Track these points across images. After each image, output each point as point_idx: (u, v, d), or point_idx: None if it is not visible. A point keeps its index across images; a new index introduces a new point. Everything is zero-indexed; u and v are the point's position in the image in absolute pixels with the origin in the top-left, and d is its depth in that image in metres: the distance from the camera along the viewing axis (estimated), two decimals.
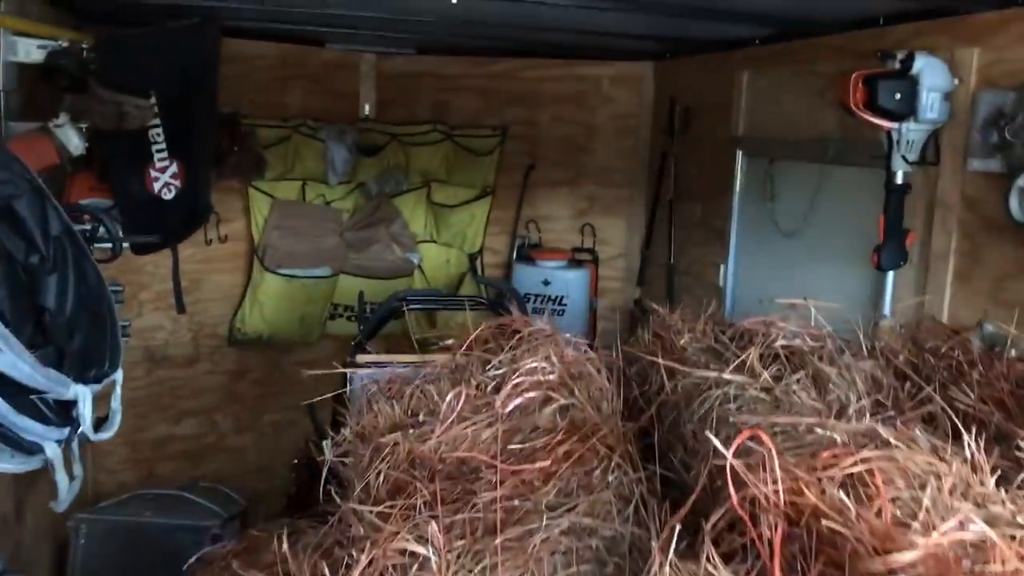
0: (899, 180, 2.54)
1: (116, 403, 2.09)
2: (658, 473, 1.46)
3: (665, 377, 1.63)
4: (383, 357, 3.27)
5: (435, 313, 4.84)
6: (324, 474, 1.73)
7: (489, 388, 1.57)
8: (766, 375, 1.53)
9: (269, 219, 4.55)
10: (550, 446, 1.39)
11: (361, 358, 3.27)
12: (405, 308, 3.57)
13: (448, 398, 1.56)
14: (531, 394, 1.53)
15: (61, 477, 1.86)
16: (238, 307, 4.60)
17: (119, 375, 2.08)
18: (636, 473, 1.41)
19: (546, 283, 4.63)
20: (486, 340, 1.75)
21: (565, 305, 4.61)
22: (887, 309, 2.73)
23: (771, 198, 3.54)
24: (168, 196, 3.36)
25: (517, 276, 4.74)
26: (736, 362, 1.58)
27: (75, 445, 1.97)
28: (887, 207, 2.57)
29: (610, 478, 1.37)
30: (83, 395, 1.81)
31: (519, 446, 1.41)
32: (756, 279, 3.68)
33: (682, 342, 1.74)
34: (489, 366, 1.62)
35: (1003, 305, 2.28)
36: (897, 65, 2.44)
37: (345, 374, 3.43)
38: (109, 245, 2.92)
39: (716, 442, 1.10)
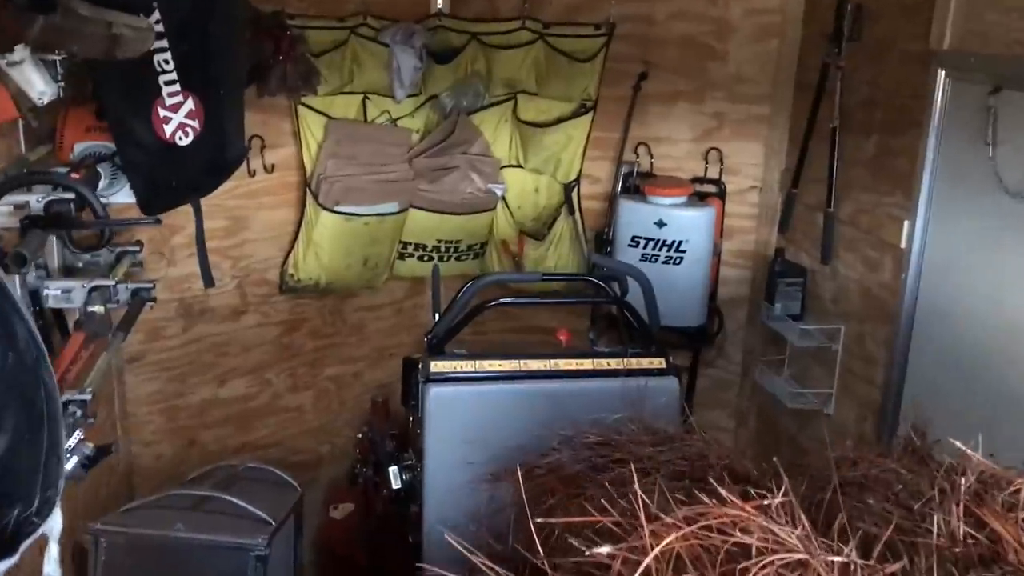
0: None
1: (52, 568, 1.34)
2: None
3: None
4: (465, 363, 2.49)
5: (522, 254, 4.04)
6: None
7: None
8: None
9: (324, 144, 3.73)
10: None
11: (436, 365, 2.49)
12: (494, 304, 2.74)
13: None
14: None
15: None
16: (290, 250, 3.85)
17: (56, 523, 1.33)
18: None
19: (660, 224, 3.74)
20: (678, 560, 0.93)
21: (683, 252, 3.74)
22: None
23: (992, 142, 2.57)
24: (184, 141, 2.55)
25: (622, 214, 3.85)
26: None
27: None
28: None
29: None
30: None
31: None
32: (960, 247, 2.76)
33: None
34: None
35: None
36: None
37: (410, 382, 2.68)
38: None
39: None
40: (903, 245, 2.95)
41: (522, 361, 2.54)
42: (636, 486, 1.02)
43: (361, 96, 3.78)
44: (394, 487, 2.66)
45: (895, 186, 2.99)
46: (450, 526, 1.88)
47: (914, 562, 0.93)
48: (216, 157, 2.66)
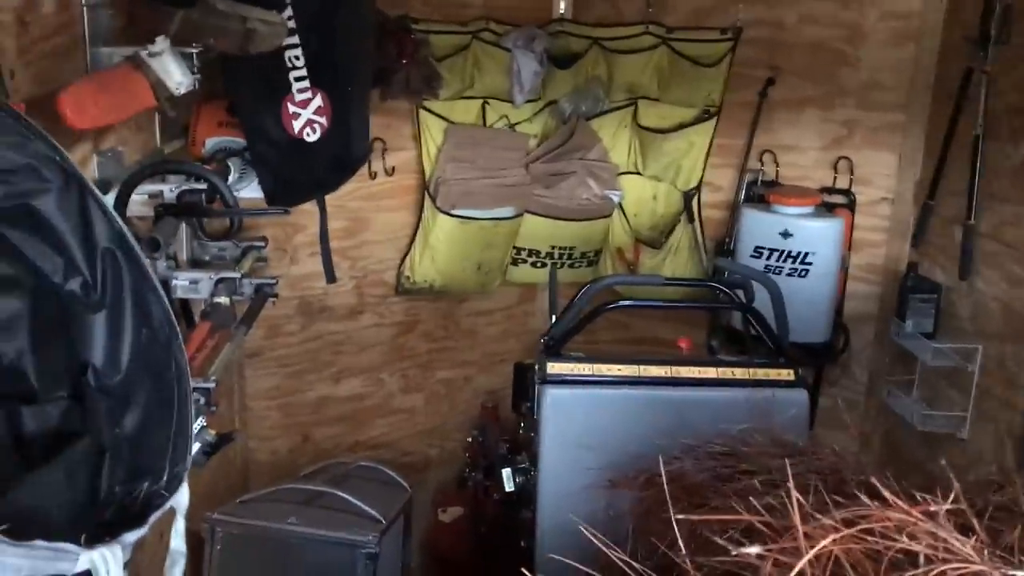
0: None
1: (178, 542, 1.35)
2: None
3: None
4: (582, 366, 2.44)
5: (639, 265, 3.97)
6: None
7: None
8: None
9: (443, 148, 3.75)
10: None
11: (553, 366, 2.44)
12: (614, 307, 2.68)
13: None
14: None
15: None
16: (407, 252, 3.88)
17: (183, 497, 1.34)
18: None
19: (786, 235, 3.60)
20: (836, 563, 0.86)
21: (809, 265, 3.58)
22: None
23: None
24: (312, 138, 2.60)
25: (746, 223, 3.73)
26: None
27: None
28: None
29: None
30: (102, 564, 1.07)
31: None
32: None
33: None
34: None
35: None
36: None
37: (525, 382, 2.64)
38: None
39: None
40: None
41: (642, 367, 2.47)
42: (791, 483, 0.94)
43: (481, 101, 3.79)
44: (507, 489, 2.62)
45: None
46: (565, 532, 1.84)
47: None
48: (342, 154, 2.69)
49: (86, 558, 1.04)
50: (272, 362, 3.76)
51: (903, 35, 3.55)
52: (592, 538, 1.08)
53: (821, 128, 3.74)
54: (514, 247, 3.99)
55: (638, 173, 4.03)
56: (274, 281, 3.03)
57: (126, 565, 1.16)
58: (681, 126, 3.86)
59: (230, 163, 2.65)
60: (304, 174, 2.68)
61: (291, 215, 3.49)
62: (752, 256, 3.67)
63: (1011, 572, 0.83)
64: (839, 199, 3.72)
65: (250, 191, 2.74)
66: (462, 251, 3.82)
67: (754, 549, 0.93)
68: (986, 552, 0.85)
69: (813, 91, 3.74)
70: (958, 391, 3.23)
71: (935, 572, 0.80)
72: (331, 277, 3.21)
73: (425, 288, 3.93)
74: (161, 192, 2.27)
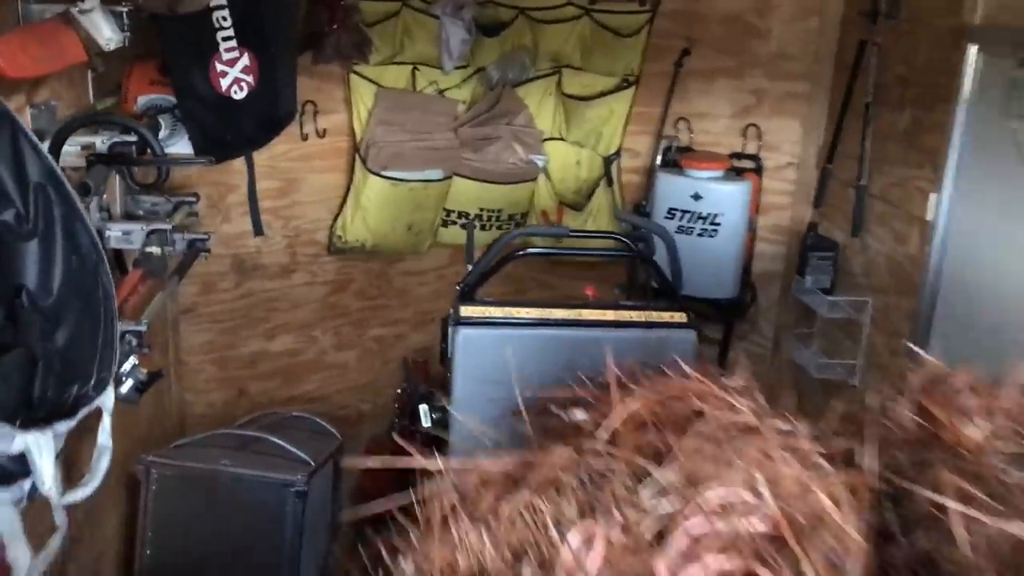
0: None
1: (105, 438, 1.51)
2: None
3: (957, 525, 0.93)
4: (493, 309, 2.63)
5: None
6: None
7: (646, 533, 0.90)
8: None
9: (373, 111, 3.89)
10: None
11: (466, 309, 2.63)
12: (523, 254, 2.87)
13: (573, 542, 0.91)
14: (720, 564, 0.85)
15: (18, 552, 1.31)
16: (338, 212, 4.02)
17: (108, 400, 1.49)
18: None
19: (696, 197, 3.82)
20: (641, 422, 1.06)
21: (718, 225, 3.81)
22: None
23: (1017, 115, 2.62)
24: (239, 95, 2.73)
25: (660, 187, 3.95)
26: None
27: (54, 496, 1.41)
28: None
29: None
30: (36, 446, 1.23)
31: None
32: (982, 220, 2.81)
33: (975, 435, 1.02)
34: (645, 486, 0.95)
35: None
36: None
37: (445, 326, 2.82)
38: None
39: None
40: (929, 218, 3.00)
41: (548, 310, 2.66)
42: (611, 365, 1.14)
43: (411, 66, 3.92)
44: (424, 425, 2.80)
45: (924, 160, 3.04)
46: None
47: (860, 443, 1.04)
48: (268, 112, 2.83)
49: (21, 440, 1.20)
50: (206, 318, 3.88)
51: (808, 9, 3.78)
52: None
53: (732, 97, 3.97)
54: (444, 209, 4.15)
55: (562, 139, 4.20)
56: (206, 236, 3.17)
57: (58, 456, 1.31)
58: (602, 94, 4.04)
59: (161, 119, 2.77)
60: (232, 130, 2.81)
61: (223, 175, 3.65)
62: (666, 217, 3.89)
63: (780, 425, 1.03)
64: (748, 164, 3.96)
65: (181, 147, 2.86)
66: (393, 212, 3.97)
67: (579, 413, 1.12)
68: (765, 413, 1.05)
69: (725, 62, 3.95)
70: (852, 341, 3.49)
71: (715, 422, 1.00)
72: (259, 230, 3.35)
73: (357, 248, 4.07)
74: (93, 144, 2.39)
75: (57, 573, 2.58)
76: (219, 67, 2.66)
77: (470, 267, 2.94)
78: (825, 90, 3.77)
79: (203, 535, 3.08)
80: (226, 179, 3.68)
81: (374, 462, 1.37)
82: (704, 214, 3.82)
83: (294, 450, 3.25)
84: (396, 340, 4.49)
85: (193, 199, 3.14)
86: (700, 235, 3.84)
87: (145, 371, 2.42)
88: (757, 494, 0.90)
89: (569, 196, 4.25)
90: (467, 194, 4.09)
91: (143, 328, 2.44)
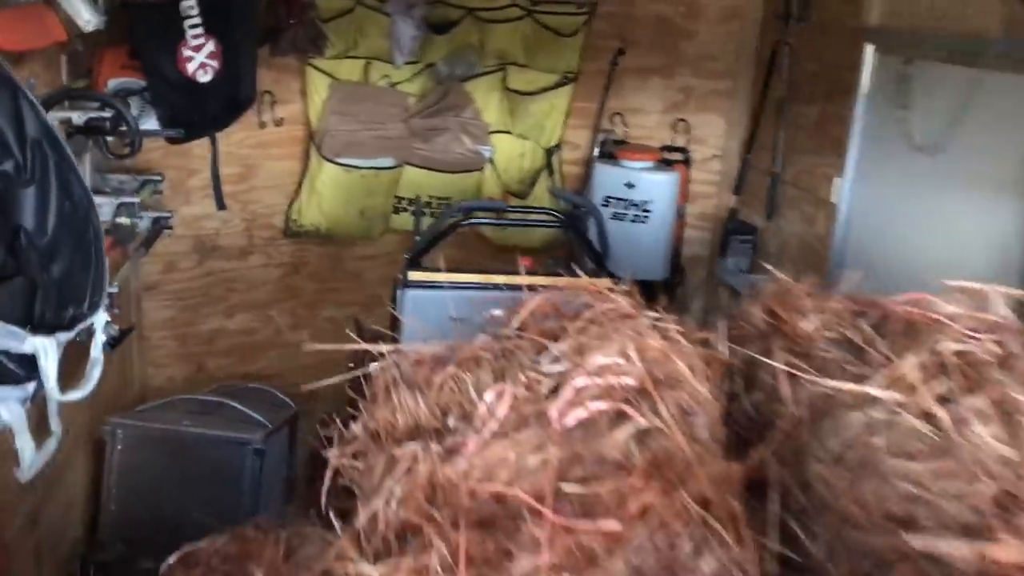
0: None
1: (96, 352, 1.75)
2: (774, 552, 1.06)
3: (784, 382, 1.20)
4: (437, 275, 2.89)
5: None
6: (328, 476, 1.39)
7: (544, 389, 1.17)
8: (927, 395, 1.09)
9: (328, 102, 4.13)
10: (620, 494, 1.00)
11: (412, 275, 2.89)
12: (466, 224, 3.14)
13: (488, 399, 1.17)
14: (599, 405, 1.12)
15: (24, 442, 1.54)
16: (294, 197, 4.25)
17: (100, 318, 1.73)
18: (741, 549, 1.01)
19: (630, 186, 4.13)
20: (545, 315, 1.34)
21: (649, 212, 4.12)
22: None
23: (905, 105, 2.96)
24: (204, 79, 2.96)
25: (597, 176, 4.24)
26: (887, 371, 1.14)
27: (55, 399, 1.64)
28: None
29: (703, 563, 0.97)
30: (43, 349, 1.47)
31: (577, 487, 1.02)
32: (879, 200, 3.14)
33: (808, 327, 1.30)
34: (545, 356, 1.22)
35: None
36: None
37: (395, 290, 3.08)
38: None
39: None
40: (834, 200, 3.33)
41: (487, 276, 2.94)
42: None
43: (364, 61, 4.17)
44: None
45: (830, 148, 3.38)
46: None
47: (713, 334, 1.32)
48: (232, 95, 3.06)
49: (31, 342, 1.43)
50: (168, 295, 4.09)
51: (732, 13, 4.11)
52: None
53: (663, 94, 4.29)
54: (396, 196, 4.40)
55: (508, 132, 4.47)
56: (169, 214, 3.40)
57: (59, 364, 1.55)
58: (544, 90, 4.32)
59: (131, 101, 2.98)
60: (197, 111, 3.04)
61: (186, 159, 3.87)
62: (602, 204, 4.18)
63: (653, 319, 1.31)
64: (677, 156, 4.27)
65: (149, 126, 3.08)
66: (346, 197, 4.21)
67: (498, 312, 1.40)
68: (641, 309, 1.33)
69: (657, 61, 4.27)
70: None
71: (599, 311, 1.28)
72: (221, 204, 3.56)
73: (312, 231, 4.30)
74: (70, 118, 2.60)
75: (30, 521, 2.79)
76: (186, 52, 2.89)
77: (417, 239, 3.20)
78: (746, 87, 4.11)
79: (165, 491, 3.29)
80: (188, 164, 3.90)
81: (329, 344, 1.61)
82: (637, 201, 4.12)
83: (252, 414, 3.47)
84: (348, 321, 4.71)
85: (159, 177, 3.36)
86: (633, 221, 4.14)
87: (116, 327, 2.64)
88: (628, 359, 1.17)
89: (514, 185, 4.52)
90: (417, 182, 4.34)
91: (114, 290, 2.66)
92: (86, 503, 3.35)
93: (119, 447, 3.29)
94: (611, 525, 0.97)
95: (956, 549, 0.91)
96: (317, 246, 4.47)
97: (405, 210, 4.45)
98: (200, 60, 2.92)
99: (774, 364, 1.23)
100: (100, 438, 3.36)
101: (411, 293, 2.84)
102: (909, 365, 1.13)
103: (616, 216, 4.14)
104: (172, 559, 1.88)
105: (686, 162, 4.27)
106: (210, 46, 2.91)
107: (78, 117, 2.59)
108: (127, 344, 3.86)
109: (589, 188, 4.32)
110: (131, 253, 3.02)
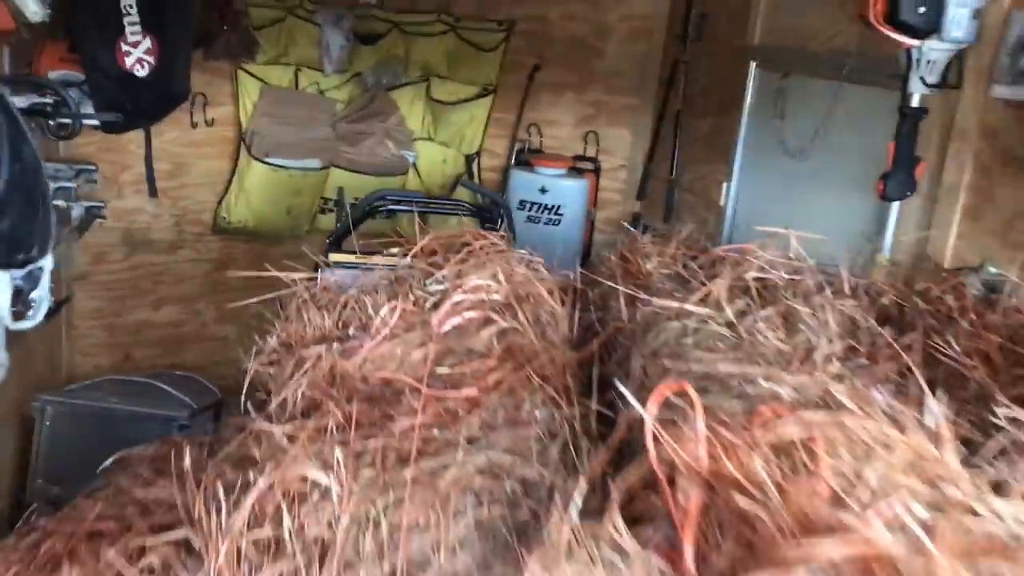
0: (915, 103, 2.35)
1: (43, 291, 1.96)
2: (595, 410, 1.33)
3: (624, 304, 1.49)
4: (354, 257, 3.13)
5: (425, 217, 4.69)
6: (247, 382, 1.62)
7: (428, 305, 1.43)
8: (729, 310, 1.38)
9: (258, 105, 4.36)
10: (480, 372, 1.26)
11: (333, 257, 3.13)
12: (383, 209, 3.40)
13: (382, 312, 1.42)
14: (471, 314, 1.39)
15: None
16: (223, 195, 4.45)
17: (48, 262, 1.95)
18: (570, 409, 1.28)
19: (543, 191, 4.44)
20: (433, 251, 1.60)
21: (561, 215, 4.43)
22: (887, 244, 2.55)
23: (780, 115, 3.32)
24: (141, 73, 3.17)
25: (514, 182, 4.55)
26: (701, 292, 1.43)
27: (3, 327, 1.85)
28: (899, 132, 2.38)
29: (539, 413, 1.24)
30: None
31: (448, 370, 1.28)
32: (758, 200, 3.50)
33: (649, 266, 1.59)
34: (431, 281, 1.48)
35: (1012, 247, 2.11)
36: None
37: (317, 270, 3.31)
38: (69, 121, 2.75)
39: (631, 398, 0.96)
40: (722, 203, 3.67)
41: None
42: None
43: (295, 68, 4.41)
44: None
45: (719, 157, 3.72)
46: None
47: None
48: (166, 89, 3.27)
49: None
50: (97, 286, 4.24)
51: (639, 32, 4.47)
52: None
53: (575, 108, 4.62)
54: (322, 197, 4.62)
55: (431, 139, 4.75)
56: (103, 204, 3.59)
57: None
58: (465, 101, 4.62)
59: (70, 92, 3.18)
60: (134, 104, 3.24)
61: (119, 154, 4.05)
62: (518, 208, 4.48)
63: (522, 253, 1.58)
64: (587, 165, 4.60)
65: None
66: (273, 195, 4.42)
67: (393, 249, 1.67)
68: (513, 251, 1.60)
69: (569, 77, 4.60)
70: None
71: (481, 245, 1.55)
72: (153, 191, 3.75)
73: (240, 228, 4.50)
74: (14, 103, 2.79)
75: None
76: (124, 47, 3.10)
77: (338, 225, 3.45)
78: (651, 103, 4.46)
79: (91, 465, 3.43)
80: (122, 159, 4.08)
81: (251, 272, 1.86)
82: (550, 205, 4.43)
83: (177, 393, 3.65)
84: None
85: (93, 167, 3.54)
86: (546, 224, 4.45)
87: (53, 300, 2.82)
88: (498, 281, 1.45)
89: (436, 189, 4.79)
90: (343, 183, 4.56)
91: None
92: (13, 477, 3.48)
93: (48, 423, 3.43)
94: (471, 392, 1.23)
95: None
96: (244, 243, 4.65)
97: (331, 211, 4.68)
98: (137, 55, 3.13)
99: (616, 287, 1.52)
100: (28, 416, 3.50)
101: (331, 272, 3.08)
102: (718, 287, 1.42)
103: (530, 219, 4.44)
104: (108, 462, 2.08)
105: (596, 171, 4.60)
106: (147, 43, 3.13)
107: (21, 101, 2.79)
108: (55, 331, 4.02)
109: (506, 193, 4.60)
110: (64, 236, 3.19)
